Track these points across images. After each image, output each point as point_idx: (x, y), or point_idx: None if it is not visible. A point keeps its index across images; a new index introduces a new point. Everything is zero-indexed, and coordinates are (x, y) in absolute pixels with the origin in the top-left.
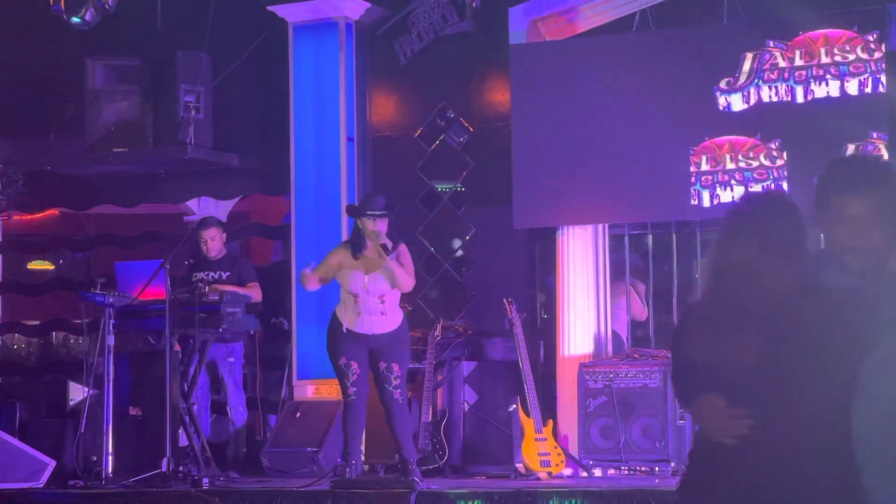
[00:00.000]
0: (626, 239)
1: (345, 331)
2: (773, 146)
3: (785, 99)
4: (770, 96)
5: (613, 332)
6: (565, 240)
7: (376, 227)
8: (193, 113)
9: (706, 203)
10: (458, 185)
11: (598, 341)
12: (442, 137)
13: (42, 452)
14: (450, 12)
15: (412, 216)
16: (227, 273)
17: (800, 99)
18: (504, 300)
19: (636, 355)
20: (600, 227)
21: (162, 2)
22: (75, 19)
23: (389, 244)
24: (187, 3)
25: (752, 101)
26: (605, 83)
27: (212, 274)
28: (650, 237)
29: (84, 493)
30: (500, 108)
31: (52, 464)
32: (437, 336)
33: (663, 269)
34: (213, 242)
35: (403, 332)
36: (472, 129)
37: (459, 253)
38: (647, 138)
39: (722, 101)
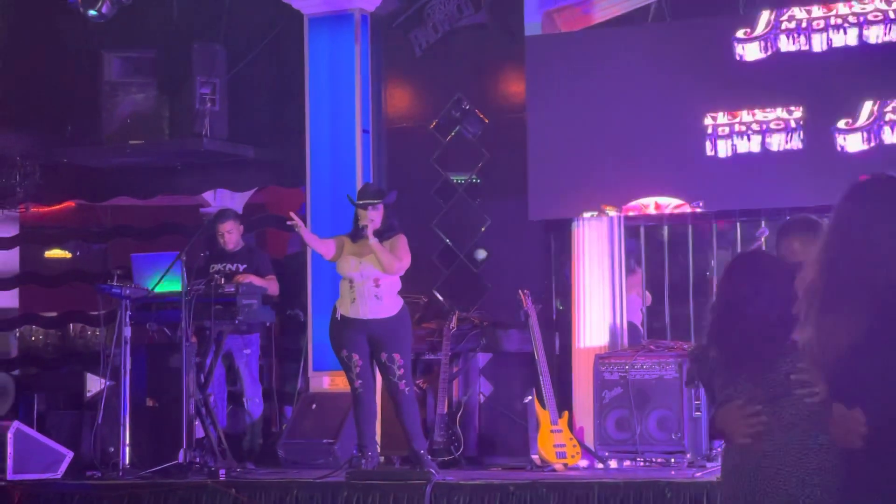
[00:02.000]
0: (642, 230)
1: (338, 317)
2: (791, 108)
3: (803, 48)
4: (788, 46)
5: (630, 324)
6: (581, 231)
7: (368, 215)
8: (209, 105)
9: (722, 153)
10: (474, 176)
11: (613, 333)
12: (457, 129)
13: (60, 443)
14: (465, 3)
15: (428, 208)
16: (244, 265)
17: (817, 48)
18: (519, 291)
19: (652, 347)
20: (616, 218)
21: None
22: (92, 12)
23: (368, 224)
24: None
25: (770, 51)
26: (621, 74)
27: (229, 266)
28: (666, 228)
29: (101, 484)
30: (516, 100)
31: (70, 455)
32: (453, 327)
33: (679, 260)
34: (231, 235)
35: (402, 321)
36: (487, 121)
37: (483, 255)
38: (664, 128)
39: (738, 49)
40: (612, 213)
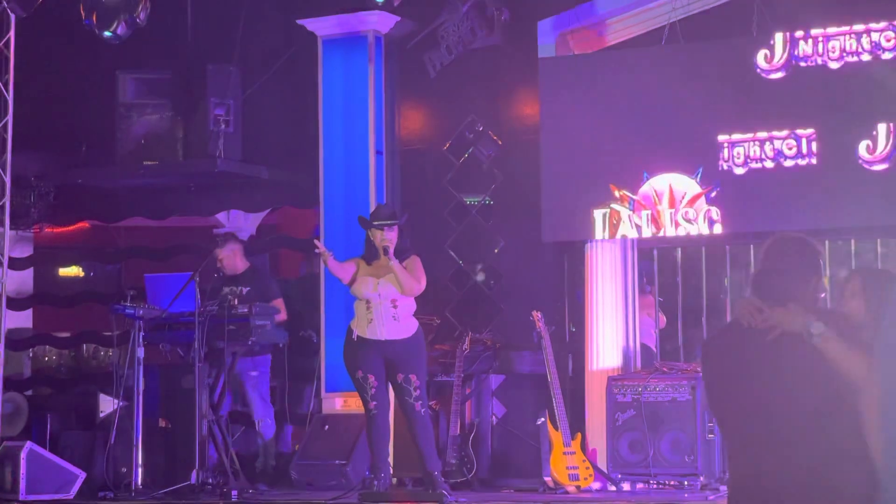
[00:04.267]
0: (655, 253)
1: (355, 338)
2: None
3: (819, 63)
4: (804, 61)
5: (643, 346)
6: (594, 253)
7: (385, 236)
8: (223, 126)
9: (738, 172)
10: (487, 198)
11: (626, 354)
12: (471, 150)
13: (72, 464)
14: (479, 25)
15: (441, 229)
16: (248, 288)
17: (833, 66)
18: (532, 313)
19: (665, 369)
20: (629, 240)
21: (192, 16)
22: (107, 33)
23: (389, 245)
24: (217, 17)
25: (789, 69)
26: (635, 96)
27: (234, 288)
28: (679, 251)
29: None
30: (529, 122)
31: (83, 475)
32: (466, 349)
33: (691, 283)
34: (230, 260)
35: (419, 342)
36: (500, 143)
37: (480, 277)
38: (678, 148)
39: (762, 71)
40: (622, 209)
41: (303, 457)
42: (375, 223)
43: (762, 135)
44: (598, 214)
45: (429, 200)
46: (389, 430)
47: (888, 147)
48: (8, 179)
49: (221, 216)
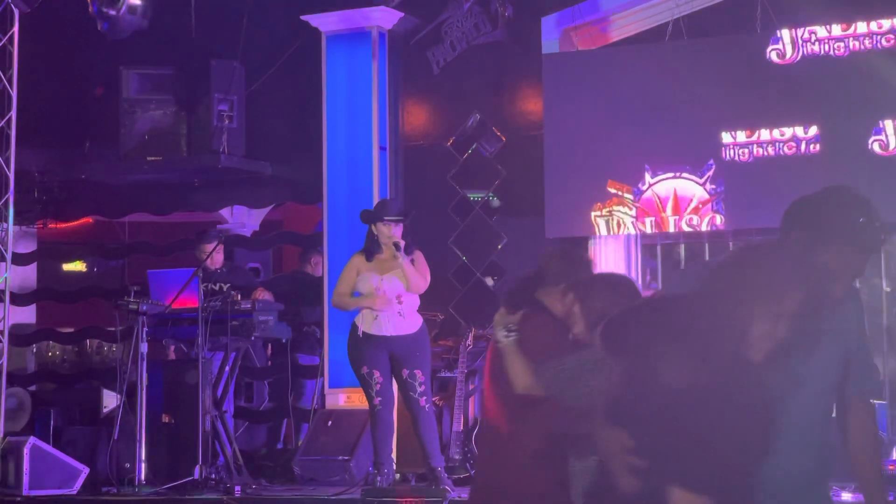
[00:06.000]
0: (659, 249)
1: (360, 334)
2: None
3: (825, 52)
4: (812, 50)
5: None
6: (598, 249)
7: (391, 232)
8: (227, 122)
9: (742, 166)
10: (491, 194)
11: None
12: (474, 146)
13: (75, 459)
14: (482, 22)
15: (444, 225)
16: (227, 284)
17: (837, 59)
18: None
19: None
20: (633, 236)
21: (196, 11)
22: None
23: (402, 243)
24: (221, 13)
25: (798, 58)
26: (638, 92)
27: (212, 286)
28: (682, 246)
29: (117, 500)
30: (533, 118)
31: (86, 471)
32: (469, 345)
33: None
34: (218, 254)
35: (423, 338)
36: (504, 139)
37: (491, 282)
38: (681, 145)
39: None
40: (626, 213)
41: (306, 452)
42: (386, 218)
43: (765, 138)
44: (601, 222)
45: (432, 196)
46: (393, 426)
47: None
48: (11, 175)
49: (225, 212)
